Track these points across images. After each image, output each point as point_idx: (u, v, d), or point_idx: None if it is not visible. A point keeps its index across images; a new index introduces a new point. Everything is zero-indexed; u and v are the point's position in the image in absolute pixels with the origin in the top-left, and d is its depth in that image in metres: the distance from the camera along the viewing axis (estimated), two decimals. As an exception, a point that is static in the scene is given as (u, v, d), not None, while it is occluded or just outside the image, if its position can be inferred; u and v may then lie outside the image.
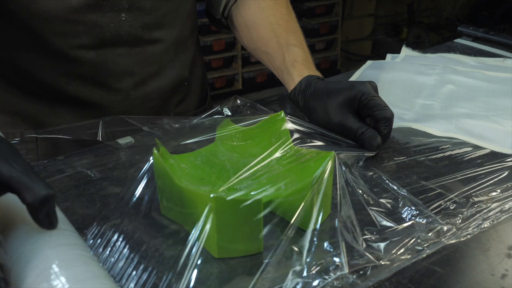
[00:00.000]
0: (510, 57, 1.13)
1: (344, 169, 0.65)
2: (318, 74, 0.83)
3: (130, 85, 0.85)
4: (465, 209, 0.63)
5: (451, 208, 0.63)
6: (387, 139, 0.76)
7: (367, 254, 0.55)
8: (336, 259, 0.54)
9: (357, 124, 0.74)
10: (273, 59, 0.87)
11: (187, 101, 0.95)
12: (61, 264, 0.44)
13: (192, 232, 0.58)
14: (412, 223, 0.60)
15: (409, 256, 0.55)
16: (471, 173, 0.70)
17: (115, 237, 0.57)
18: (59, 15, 0.76)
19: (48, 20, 0.77)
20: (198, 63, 0.99)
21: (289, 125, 0.74)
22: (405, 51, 1.18)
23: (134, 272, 0.52)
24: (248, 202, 0.53)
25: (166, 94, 0.91)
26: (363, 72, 1.05)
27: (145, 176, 0.65)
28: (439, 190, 0.67)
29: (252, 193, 0.61)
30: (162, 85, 0.89)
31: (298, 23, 0.93)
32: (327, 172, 0.58)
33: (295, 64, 0.84)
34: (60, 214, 0.52)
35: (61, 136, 0.77)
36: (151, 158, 0.61)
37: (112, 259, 0.54)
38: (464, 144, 0.78)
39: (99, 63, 0.82)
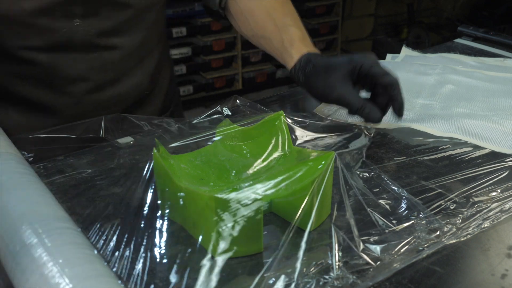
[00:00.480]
0: (510, 57, 1.13)
1: (344, 169, 0.65)
2: (316, 51, 0.84)
3: (82, 90, 0.84)
4: (465, 209, 0.63)
5: (451, 208, 0.63)
6: (402, 105, 0.77)
7: (365, 254, 0.55)
8: (336, 259, 0.54)
9: (356, 99, 0.75)
10: (271, 42, 0.88)
11: (145, 109, 0.94)
12: (65, 262, 0.45)
13: (192, 232, 0.58)
14: (412, 223, 0.60)
15: (409, 256, 0.55)
16: (471, 173, 0.70)
17: (115, 237, 0.57)
18: (12, 16, 0.76)
19: (1, 20, 0.76)
20: (165, 72, 0.99)
21: (289, 125, 0.74)
22: (405, 51, 1.18)
23: (134, 272, 0.52)
24: (248, 202, 0.53)
25: (124, 102, 0.89)
26: (363, 72, 1.05)
27: (145, 176, 0.65)
28: (439, 190, 0.67)
29: (252, 193, 0.61)
30: (120, 92, 0.88)
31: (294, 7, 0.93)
32: (327, 172, 0.58)
33: (293, 43, 0.84)
34: (64, 213, 0.52)
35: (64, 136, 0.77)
36: (151, 158, 0.61)
37: (113, 259, 0.54)
38: (464, 144, 0.78)
39: (50, 66, 0.81)
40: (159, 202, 0.62)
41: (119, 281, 0.49)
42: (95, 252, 0.49)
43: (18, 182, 0.56)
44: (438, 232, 0.58)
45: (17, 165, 0.59)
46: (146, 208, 0.61)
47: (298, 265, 0.52)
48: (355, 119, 0.86)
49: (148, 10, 0.87)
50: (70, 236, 0.48)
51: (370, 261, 0.54)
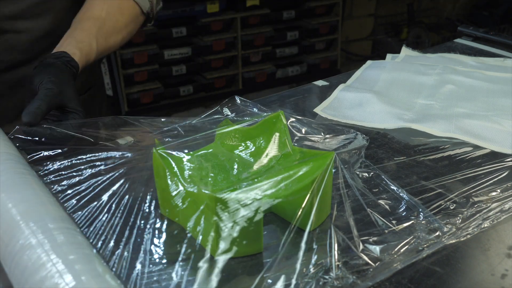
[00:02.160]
0: (510, 57, 1.13)
1: (343, 169, 0.65)
2: (76, 62, 0.80)
3: None
4: (465, 209, 0.63)
5: (451, 208, 0.63)
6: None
7: (365, 255, 0.55)
8: (336, 259, 0.54)
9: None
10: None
11: None
12: (64, 263, 0.44)
13: (192, 232, 0.58)
14: (412, 223, 0.60)
15: (409, 256, 0.55)
16: (471, 173, 0.70)
17: (115, 237, 0.57)
18: None
19: None
20: None
21: (289, 125, 0.74)
22: (405, 51, 1.18)
23: (133, 272, 0.52)
24: (248, 202, 0.53)
25: None
26: (363, 72, 1.05)
27: (145, 176, 0.65)
28: (439, 190, 0.67)
29: (252, 193, 0.61)
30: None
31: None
32: (327, 172, 0.58)
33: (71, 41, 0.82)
34: (63, 213, 0.52)
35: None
36: (151, 158, 0.61)
37: (113, 258, 0.54)
38: (464, 144, 0.78)
39: None
40: (159, 202, 0.62)
41: (119, 281, 0.49)
42: (94, 251, 0.49)
43: (17, 182, 0.56)
44: (438, 232, 0.58)
45: (16, 165, 0.59)
46: (145, 208, 0.61)
47: (298, 265, 0.52)
48: (355, 120, 0.86)
49: None
50: (69, 236, 0.48)
51: (369, 261, 0.54)
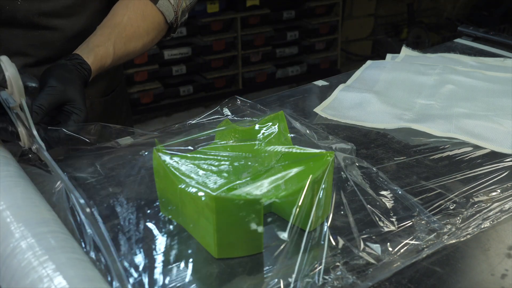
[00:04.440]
0: (510, 57, 1.13)
1: (343, 168, 0.65)
2: (88, 65, 0.81)
3: (21, 63, 0.88)
4: (465, 209, 0.63)
5: (451, 208, 0.63)
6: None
7: (365, 254, 0.55)
8: (336, 259, 0.54)
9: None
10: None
11: (87, 89, 0.91)
12: (55, 267, 0.44)
13: (192, 232, 0.58)
14: (412, 223, 0.60)
15: (409, 256, 0.55)
16: (471, 173, 0.70)
17: (115, 237, 0.57)
18: None
19: None
20: None
21: (289, 125, 0.74)
22: (405, 51, 1.18)
23: (133, 273, 0.52)
24: (248, 202, 0.53)
25: None
26: (363, 72, 1.05)
27: (145, 176, 0.65)
28: (439, 190, 0.67)
29: (252, 193, 0.61)
30: None
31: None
32: (327, 172, 0.58)
33: (93, 47, 0.83)
34: (53, 216, 0.52)
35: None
36: (151, 158, 0.61)
37: (113, 259, 0.54)
38: (464, 144, 0.78)
39: None
40: (159, 202, 0.62)
41: (109, 286, 0.48)
42: (85, 256, 0.48)
43: (8, 185, 0.55)
44: (438, 232, 0.58)
45: (7, 168, 0.59)
46: (145, 208, 0.61)
47: (298, 265, 0.52)
48: (355, 120, 0.86)
49: None
50: (59, 240, 0.48)
51: (370, 261, 0.54)
